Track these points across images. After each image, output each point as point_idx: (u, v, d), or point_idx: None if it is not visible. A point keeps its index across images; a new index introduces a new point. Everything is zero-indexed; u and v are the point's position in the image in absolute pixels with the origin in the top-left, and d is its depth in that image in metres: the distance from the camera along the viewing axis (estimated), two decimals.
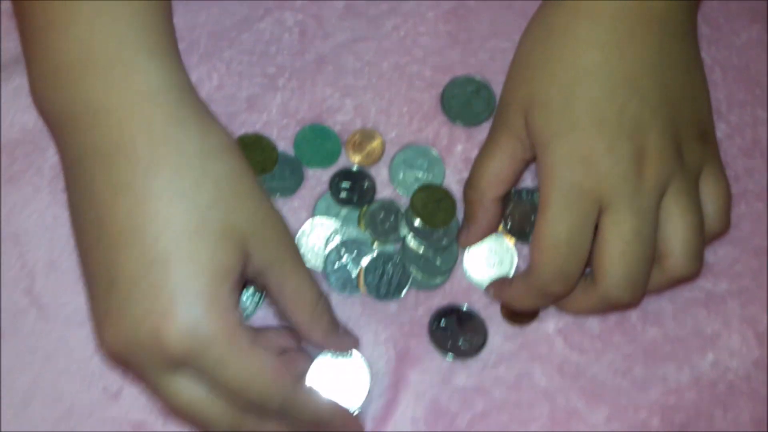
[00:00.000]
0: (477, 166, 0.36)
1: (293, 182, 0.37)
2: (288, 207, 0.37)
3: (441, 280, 0.37)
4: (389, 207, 0.37)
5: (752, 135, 0.38)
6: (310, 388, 0.32)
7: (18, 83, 0.37)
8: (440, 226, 0.37)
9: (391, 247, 0.37)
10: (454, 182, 0.38)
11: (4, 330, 0.35)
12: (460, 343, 0.36)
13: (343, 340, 0.34)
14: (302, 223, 0.37)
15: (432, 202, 0.37)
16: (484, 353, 0.36)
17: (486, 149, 0.35)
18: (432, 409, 0.35)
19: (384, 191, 0.38)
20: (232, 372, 0.29)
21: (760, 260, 0.37)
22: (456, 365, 0.36)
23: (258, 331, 0.33)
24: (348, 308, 0.36)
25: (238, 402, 0.30)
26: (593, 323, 0.36)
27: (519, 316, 0.36)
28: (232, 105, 0.38)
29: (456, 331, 0.36)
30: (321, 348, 0.34)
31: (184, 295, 0.28)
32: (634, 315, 0.36)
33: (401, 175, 0.37)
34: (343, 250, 0.36)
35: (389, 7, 0.39)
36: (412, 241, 0.37)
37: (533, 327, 0.36)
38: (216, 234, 0.29)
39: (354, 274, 0.36)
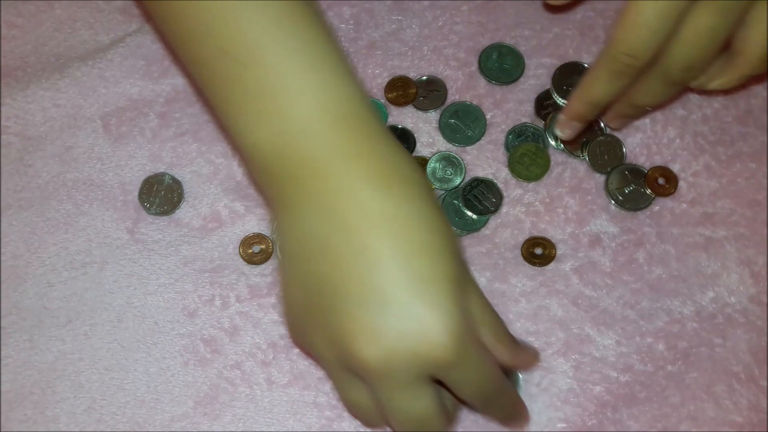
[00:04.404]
0: None
1: None
2: None
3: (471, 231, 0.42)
4: (449, 159, 0.43)
5: (745, 105, 0.43)
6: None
7: (121, 62, 0.45)
8: (533, 179, 0.42)
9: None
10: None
11: (108, 258, 0.43)
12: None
13: (527, 354, 0.38)
14: None
15: (528, 155, 0.43)
16: (508, 290, 0.41)
17: None
18: None
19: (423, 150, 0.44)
20: (474, 378, 0.33)
21: (754, 210, 0.41)
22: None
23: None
24: None
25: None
26: (605, 263, 0.41)
27: (538, 257, 0.42)
28: None
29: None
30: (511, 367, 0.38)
31: (439, 332, 0.31)
32: (641, 257, 0.41)
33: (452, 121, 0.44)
34: None
35: (430, 3, 0.46)
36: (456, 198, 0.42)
37: (551, 267, 0.41)
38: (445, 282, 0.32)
39: None
